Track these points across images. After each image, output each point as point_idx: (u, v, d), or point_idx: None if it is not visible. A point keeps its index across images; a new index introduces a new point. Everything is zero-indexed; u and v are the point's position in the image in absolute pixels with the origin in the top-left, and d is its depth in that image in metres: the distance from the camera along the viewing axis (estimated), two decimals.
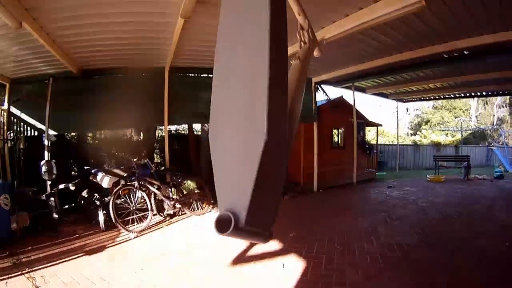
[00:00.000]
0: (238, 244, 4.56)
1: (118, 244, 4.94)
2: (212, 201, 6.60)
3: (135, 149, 9.41)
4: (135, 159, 6.08)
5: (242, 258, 4.20)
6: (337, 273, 3.53)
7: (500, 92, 12.40)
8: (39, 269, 3.98)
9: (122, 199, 5.63)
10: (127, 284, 3.59)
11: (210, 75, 7.59)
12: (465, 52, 6.44)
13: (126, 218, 5.55)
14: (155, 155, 10.13)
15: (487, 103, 27.60)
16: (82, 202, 6.00)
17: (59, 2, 3.75)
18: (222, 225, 0.86)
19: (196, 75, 7.74)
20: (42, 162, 5.92)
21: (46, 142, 6.26)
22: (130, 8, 4.11)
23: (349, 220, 5.76)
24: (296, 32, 2.08)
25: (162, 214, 6.12)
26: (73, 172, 7.75)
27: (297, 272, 3.66)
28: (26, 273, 3.85)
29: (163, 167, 7.44)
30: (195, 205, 6.48)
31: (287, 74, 1.06)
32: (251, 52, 1.00)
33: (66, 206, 6.03)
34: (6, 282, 3.64)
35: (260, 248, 4.44)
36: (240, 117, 0.99)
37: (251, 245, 4.54)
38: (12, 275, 3.80)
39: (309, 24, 2.14)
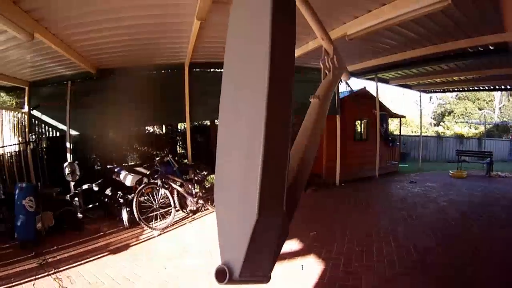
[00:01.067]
0: None
1: (141, 242, 5.07)
2: None
3: (158, 145, 9.60)
4: (157, 158, 6.18)
5: None
6: (354, 277, 3.57)
7: None
8: (65, 269, 4.13)
9: (145, 197, 5.75)
10: (151, 284, 3.71)
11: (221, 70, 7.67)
12: (491, 47, 6.23)
13: (150, 215, 5.68)
14: (178, 151, 10.32)
15: (511, 95, 26.53)
16: (106, 200, 6.14)
17: (70, 10, 3.77)
18: (219, 276, 0.88)
19: (215, 70, 7.70)
20: (65, 164, 6.08)
21: (68, 145, 6.45)
22: (144, 11, 4.12)
23: (370, 219, 5.75)
24: (320, 60, 1.79)
25: (185, 211, 6.24)
26: (96, 170, 7.89)
27: (315, 275, 3.71)
28: (53, 273, 4.00)
29: (185, 164, 7.56)
30: None
31: (289, 127, 0.89)
32: (248, 106, 0.93)
33: (90, 205, 6.17)
34: (34, 283, 3.79)
35: (282, 248, 4.48)
36: (239, 175, 0.95)
37: None
38: (39, 276, 3.95)
39: (334, 50, 1.85)
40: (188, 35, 4.97)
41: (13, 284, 3.82)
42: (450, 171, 10.68)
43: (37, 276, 3.96)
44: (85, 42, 4.97)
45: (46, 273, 4.02)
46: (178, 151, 10.54)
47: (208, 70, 7.64)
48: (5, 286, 3.79)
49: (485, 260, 3.84)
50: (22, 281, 3.86)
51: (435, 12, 4.14)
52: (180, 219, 6.04)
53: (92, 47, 5.22)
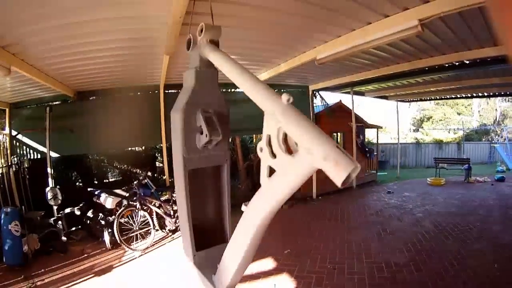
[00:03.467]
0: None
1: (124, 263, 5.19)
2: None
3: (138, 162, 9.65)
4: (135, 181, 6.27)
5: None
6: None
7: (502, 93, 12.31)
8: None
9: (125, 219, 5.87)
10: None
11: None
12: (466, 62, 6.46)
13: (131, 235, 5.81)
14: (158, 166, 10.39)
15: (489, 98, 27.29)
16: (88, 221, 6.23)
17: (45, 40, 3.76)
18: None
19: None
20: (47, 189, 6.14)
21: (49, 170, 6.44)
22: (118, 42, 4.17)
23: (344, 234, 5.90)
24: None
25: (164, 230, 6.34)
26: (78, 191, 7.90)
27: None
28: None
29: (163, 184, 7.66)
30: None
31: None
32: None
33: (73, 228, 6.25)
34: None
35: (256, 266, 4.64)
36: None
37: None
38: None
39: None
40: (161, 61, 5.06)
41: None
42: (428, 179, 10.96)
43: None
44: (61, 70, 5.02)
45: None
46: (158, 166, 10.63)
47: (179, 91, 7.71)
48: None
49: (456, 278, 3.97)
50: None
51: None
52: (160, 238, 6.15)
53: (69, 73, 5.27)
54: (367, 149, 11.98)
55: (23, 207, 5.88)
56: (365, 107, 22.16)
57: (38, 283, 4.49)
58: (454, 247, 4.96)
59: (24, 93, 6.25)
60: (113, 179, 9.95)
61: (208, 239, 1.72)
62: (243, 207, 1.35)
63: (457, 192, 9.12)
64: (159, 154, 10.33)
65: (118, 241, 5.44)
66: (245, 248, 1.28)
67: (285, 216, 7.41)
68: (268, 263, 4.75)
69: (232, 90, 8.26)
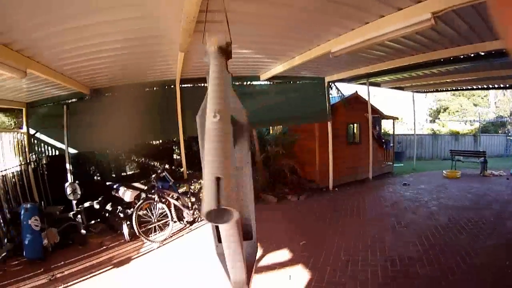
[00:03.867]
0: None
1: (142, 255, 5.34)
2: None
3: (155, 155, 9.82)
4: (153, 175, 6.42)
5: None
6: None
7: None
8: (73, 284, 4.39)
9: (144, 212, 6.03)
10: None
11: None
12: (481, 53, 6.38)
13: (149, 227, 5.96)
14: (175, 158, 10.56)
15: (506, 90, 26.46)
16: (107, 215, 6.43)
17: (60, 43, 3.84)
18: None
19: (203, 85, 7.77)
20: (67, 184, 6.33)
21: (67, 165, 6.61)
22: (131, 41, 4.23)
23: (359, 226, 5.94)
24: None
25: (182, 222, 6.51)
26: (96, 185, 8.07)
27: (301, 285, 3.95)
28: None
29: (181, 177, 7.79)
30: None
31: None
32: None
33: (92, 222, 6.44)
34: None
35: (272, 258, 4.76)
36: None
37: (264, 255, 4.88)
38: None
39: None
40: (176, 57, 5.13)
41: None
42: (443, 171, 10.84)
43: None
44: (77, 69, 5.11)
45: None
46: (176, 158, 10.82)
47: (199, 85, 7.73)
48: None
49: (467, 274, 3.92)
50: None
51: None
52: (178, 230, 6.29)
53: (84, 71, 5.36)
54: (383, 140, 11.89)
55: (42, 202, 6.04)
56: (381, 97, 21.88)
57: (58, 275, 4.65)
58: (466, 242, 4.91)
59: (40, 92, 6.39)
60: (131, 172, 10.19)
61: None
62: None
63: (472, 185, 8.97)
64: (177, 147, 10.49)
65: (137, 233, 5.60)
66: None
67: (302, 208, 7.53)
68: (284, 254, 4.86)
69: (248, 83, 8.27)
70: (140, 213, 5.89)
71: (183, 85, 7.35)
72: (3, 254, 5.42)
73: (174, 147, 10.98)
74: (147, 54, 4.98)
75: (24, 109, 6.96)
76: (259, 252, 4.94)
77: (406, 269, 4.13)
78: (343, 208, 7.20)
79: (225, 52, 1.55)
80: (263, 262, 4.68)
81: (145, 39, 4.20)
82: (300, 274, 4.22)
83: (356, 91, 10.73)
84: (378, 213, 6.69)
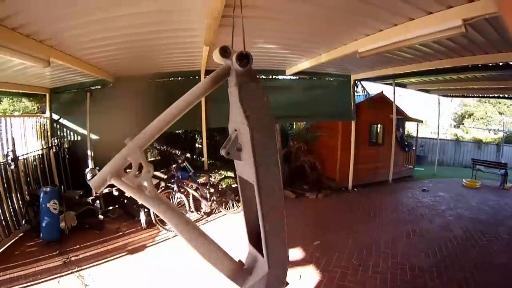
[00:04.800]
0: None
1: (157, 243, 5.45)
2: None
3: (177, 143, 9.92)
4: (174, 165, 6.50)
5: None
6: None
7: None
8: (87, 267, 4.53)
9: None
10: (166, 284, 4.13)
11: None
12: (511, 63, 6.17)
13: None
14: (197, 147, 10.66)
15: None
16: (125, 201, 6.55)
17: (83, 33, 3.87)
18: None
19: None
20: (87, 170, 6.42)
21: (89, 152, 6.75)
22: (156, 33, 4.25)
23: (374, 230, 5.87)
24: None
25: (199, 213, 6.60)
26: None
27: (310, 286, 3.97)
28: (76, 271, 4.40)
29: (201, 167, 7.87)
30: (231, 204, 6.88)
31: None
32: None
33: (110, 207, 6.60)
34: (59, 281, 4.20)
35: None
36: None
37: None
38: (63, 273, 4.36)
39: None
40: (201, 50, 5.14)
41: (40, 280, 4.22)
42: (463, 180, 10.54)
43: (61, 274, 4.36)
44: (101, 58, 5.17)
45: (70, 271, 4.42)
46: (197, 147, 10.94)
47: None
48: (33, 282, 4.18)
49: None
50: (48, 278, 4.27)
51: None
52: (194, 220, 6.36)
53: (109, 60, 5.41)
54: (406, 143, 11.62)
55: (62, 186, 6.21)
56: (406, 98, 21.41)
57: (72, 258, 4.80)
58: (478, 257, 4.77)
59: (63, 79, 6.50)
60: (152, 159, 10.37)
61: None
62: None
63: (490, 198, 8.63)
64: (199, 136, 10.58)
65: (153, 221, 5.73)
66: None
67: (320, 206, 7.54)
68: (297, 254, 4.87)
69: (273, 77, 8.23)
70: None
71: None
72: (20, 235, 5.65)
73: (196, 136, 11.08)
74: (172, 45, 5.00)
75: (47, 95, 7.11)
76: None
77: (415, 280, 4.07)
78: (360, 210, 7.14)
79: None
80: None
81: (170, 31, 4.23)
82: (310, 275, 4.23)
83: (382, 91, 10.49)
84: (394, 219, 6.58)
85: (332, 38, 5.04)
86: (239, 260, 1.58)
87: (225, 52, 1.55)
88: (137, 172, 1.37)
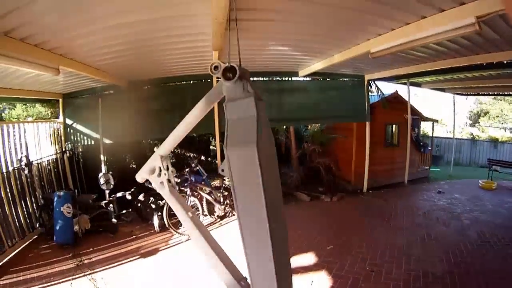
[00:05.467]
0: None
1: (170, 247, 5.49)
2: None
3: (191, 146, 9.94)
4: (187, 169, 6.51)
5: None
6: None
7: None
8: (100, 270, 4.58)
9: None
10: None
11: (255, 78, 7.74)
12: None
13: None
14: (211, 150, 10.69)
15: None
16: (139, 204, 6.59)
17: (92, 41, 3.87)
18: None
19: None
20: (100, 174, 6.55)
21: (102, 156, 6.82)
22: (169, 39, 4.27)
23: (388, 235, 5.75)
24: None
25: (213, 216, 6.58)
26: (130, 173, 8.36)
27: None
28: (88, 274, 4.45)
29: (215, 172, 7.87)
30: None
31: None
32: None
33: (124, 211, 6.65)
34: (71, 283, 4.26)
35: (298, 260, 4.74)
36: None
37: (290, 257, 4.79)
38: (76, 276, 4.43)
39: None
40: (211, 52, 5.12)
41: (53, 283, 4.30)
42: (480, 181, 10.24)
43: (74, 277, 4.43)
44: (113, 64, 5.18)
45: (82, 274, 4.48)
46: (212, 149, 10.96)
47: None
48: (46, 284, 4.26)
49: None
50: (61, 281, 4.34)
51: None
52: (208, 224, 6.37)
53: (120, 66, 5.43)
54: (421, 143, 11.39)
55: (76, 190, 6.29)
56: (421, 97, 21.05)
57: (85, 261, 4.86)
58: (493, 264, 4.58)
59: (76, 85, 6.57)
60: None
61: None
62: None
63: (507, 200, 8.31)
64: (213, 139, 10.61)
65: (167, 225, 5.75)
66: None
67: (334, 209, 7.46)
68: (310, 258, 4.84)
69: (288, 78, 8.15)
70: None
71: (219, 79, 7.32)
72: (34, 237, 5.76)
73: (211, 139, 11.12)
74: (182, 50, 5.00)
75: (60, 100, 7.22)
76: None
77: (427, 287, 3.96)
78: (375, 214, 7.01)
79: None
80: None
81: (179, 36, 4.23)
82: (323, 280, 4.19)
83: (396, 91, 10.32)
84: (409, 222, 6.43)
85: (344, 38, 4.96)
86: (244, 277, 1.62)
87: (216, 69, 1.53)
88: (159, 172, 1.82)
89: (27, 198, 5.96)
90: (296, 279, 4.22)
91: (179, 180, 6.37)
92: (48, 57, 3.88)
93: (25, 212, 5.86)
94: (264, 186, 1.38)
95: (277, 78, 7.94)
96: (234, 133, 1.43)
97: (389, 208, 7.41)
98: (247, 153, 1.38)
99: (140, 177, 1.90)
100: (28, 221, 5.92)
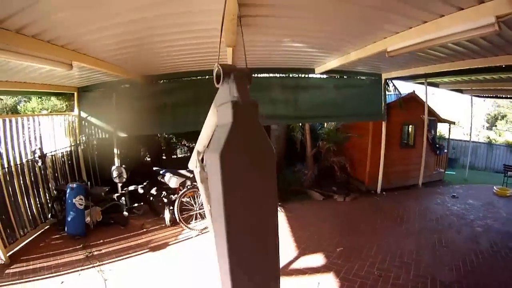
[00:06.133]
0: (286, 255, 4.88)
1: (180, 242, 5.52)
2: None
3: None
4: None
5: (285, 270, 4.47)
6: None
7: None
8: (108, 263, 4.64)
9: (187, 199, 6.15)
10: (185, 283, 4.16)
11: (270, 75, 7.72)
12: None
13: (191, 213, 6.08)
14: None
15: None
16: (151, 198, 6.64)
17: (105, 37, 3.82)
18: None
19: (257, 75, 7.69)
20: (113, 168, 6.61)
21: (115, 150, 6.87)
22: (182, 34, 4.22)
23: (399, 239, 5.65)
24: None
25: None
26: (144, 167, 8.43)
27: None
28: (97, 266, 4.52)
29: None
30: None
31: None
32: None
33: (136, 204, 6.68)
34: (80, 274, 4.32)
35: (306, 261, 4.73)
36: None
37: (298, 257, 4.88)
38: (85, 267, 4.49)
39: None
40: (225, 48, 5.09)
41: (62, 272, 4.38)
42: (494, 186, 9.96)
43: (83, 267, 4.50)
44: (127, 59, 5.16)
45: (91, 265, 4.55)
46: None
47: (253, 75, 7.63)
48: (55, 274, 4.34)
49: None
50: (69, 271, 4.42)
51: None
52: None
53: (135, 61, 5.43)
54: (437, 145, 11.13)
55: (89, 183, 6.38)
56: (437, 96, 20.61)
57: (95, 252, 4.92)
58: (503, 276, 4.43)
59: (90, 78, 6.59)
60: (182, 155, 10.47)
61: None
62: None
63: None
64: None
65: (178, 220, 5.78)
66: None
67: (347, 210, 7.40)
68: (318, 259, 4.81)
69: (303, 75, 8.01)
70: (183, 200, 6.03)
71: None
72: (46, 227, 5.87)
73: None
74: (198, 45, 4.94)
75: (75, 93, 7.27)
76: (295, 252, 5.01)
77: None
78: (387, 216, 6.91)
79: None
80: (296, 265, 4.66)
81: (192, 32, 4.17)
82: (329, 283, 4.15)
83: (414, 91, 10.03)
84: (421, 227, 6.30)
85: (360, 36, 4.83)
86: None
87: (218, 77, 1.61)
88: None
89: (40, 189, 6.06)
90: (303, 280, 4.22)
91: (191, 176, 6.37)
92: (60, 52, 3.87)
93: (38, 203, 5.96)
94: (226, 196, 1.39)
95: (294, 75, 7.84)
96: (214, 138, 1.49)
97: (402, 211, 7.28)
98: (213, 161, 1.41)
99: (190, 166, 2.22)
100: (41, 211, 6.02)
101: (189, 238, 5.60)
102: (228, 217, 1.40)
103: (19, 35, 3.15)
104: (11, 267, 4.56)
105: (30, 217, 5.73)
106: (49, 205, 6.08)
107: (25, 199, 5.65)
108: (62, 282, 4.17)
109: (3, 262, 4.67)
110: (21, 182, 5.61)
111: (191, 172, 6.32)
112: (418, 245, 5.34)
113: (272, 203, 1.57)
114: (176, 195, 6.14)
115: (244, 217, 1.47)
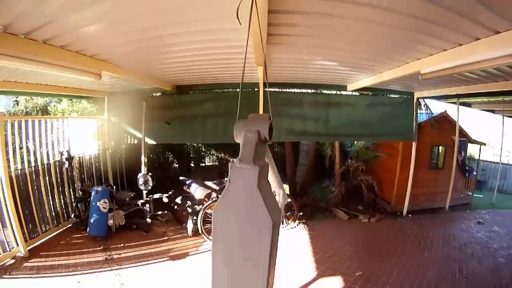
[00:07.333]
0: (305, 276, 4.82)
1: (200, 253, 5.52)
2: (298, 216, 6.99)
3: (234, 156, 10.05)
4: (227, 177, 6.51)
5: None
6: None
7: None
8: (127, 267, 4.70)
9: (211, 210, 6.10)
10: None
11: (302, 91, 7.65)
12: None
13: None
14: None
15: None
16: (175, 207, 6.70)
17: (135, 50, 3.86)
18: None
19: (288, 90, 7.69)
20: (139, 175, 6.67)
21: (142, 158, 6.92)
22: (214, 49, 4.26)
23: (420, 265, 5.46)
24: None
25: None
26: (170, 175, 8.52)
27: None
28: (115, 269, 4.59)
29: None
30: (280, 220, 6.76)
31: None
32: None
33: (159, 212, 6.75)
34: (97, 275, 4.40)
35: (322, 284, 4.66)
36: None
37: (316, 279, 4.79)
38: (103, 269, 4.57)
39: None
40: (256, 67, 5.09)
41: (80, 272, 4.46)
42: None
43: (101, 270, 4.57)
44: (158, 70, 5.26)
45: (110, 268, 4.62)
46: None
47: (282, 90, 7.63)
48: (72, 273, 4.43)
49: None
50: (87, 271, 4.49)
51: None
52: None
53: (166, 72, 5.50)
54: (467, 167, 10.70)
55: (114, 187, 6.48)
56: (469, 116, 19.87)
57: (115, 256, 4.99)
58: None
59: (121, 85, 6.71)
60: (210, 163, 10.52)
61: None
62: None
63: None
64: None
65: (200, 231, 5.82)
66: None
67: (371, 231, 7.25)
68: (336, 283, 4.70)
69: (335, 92, 7.92)
70: (208, 211, 6.03)
71: (267, 89, 7.26)
72: (68, 225, 6.06)
73: None
74: (229, 60, 5.01)
75: (106, 98, 7.44)
76: (314, 273, 4.91)
77: None
78: (411, 240, 6.71)
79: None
80: (313, 287, 4.58)
81: (225, 48, 4.22)
82: None
83: (445, 110, 9.77)
84: (443, 254, 6.07)
85: (393, 57, 4.75)
86: None
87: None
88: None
89: (66, 189, 6.24)
90: None
91: (218, 188, 6.42)
92: (89, 63, 3.93)
93: (62, 202, 6.15)
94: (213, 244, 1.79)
95: (326, 91, 7.73)
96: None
97: (426, 235, 7.05)
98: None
99: None
100: (64, 210, 6.20)
101: (209, 250, 5.55)
102: (213, 260, 1.81)
103: (47, 46, 3.22)
104: (30, 261, 4.70)
105: (54, 215, 5.91)
106: (73, 205, 6.25)
107: (50, 197, 5.85)
108: (78, 281, 4.26)
109: (22, 255, 4.83)
110: (47, 180, 5.80)
111: (217, 184, 6.38)
112: (439, 275, 5.15)
113: (259, 272, 1.69)
114: (200, 206, 6.17)
115: (227, 271, 1.81)
